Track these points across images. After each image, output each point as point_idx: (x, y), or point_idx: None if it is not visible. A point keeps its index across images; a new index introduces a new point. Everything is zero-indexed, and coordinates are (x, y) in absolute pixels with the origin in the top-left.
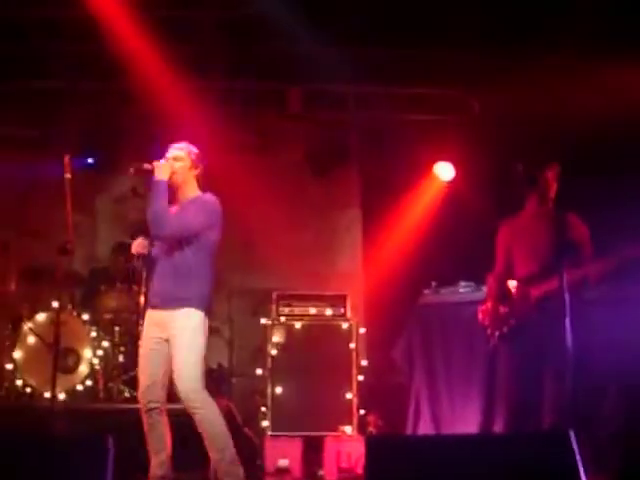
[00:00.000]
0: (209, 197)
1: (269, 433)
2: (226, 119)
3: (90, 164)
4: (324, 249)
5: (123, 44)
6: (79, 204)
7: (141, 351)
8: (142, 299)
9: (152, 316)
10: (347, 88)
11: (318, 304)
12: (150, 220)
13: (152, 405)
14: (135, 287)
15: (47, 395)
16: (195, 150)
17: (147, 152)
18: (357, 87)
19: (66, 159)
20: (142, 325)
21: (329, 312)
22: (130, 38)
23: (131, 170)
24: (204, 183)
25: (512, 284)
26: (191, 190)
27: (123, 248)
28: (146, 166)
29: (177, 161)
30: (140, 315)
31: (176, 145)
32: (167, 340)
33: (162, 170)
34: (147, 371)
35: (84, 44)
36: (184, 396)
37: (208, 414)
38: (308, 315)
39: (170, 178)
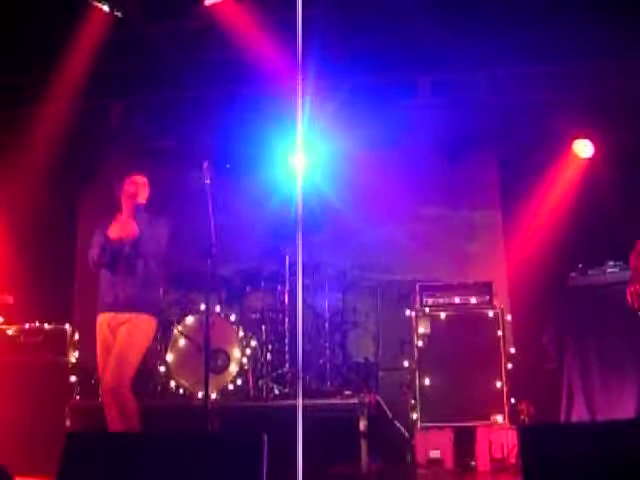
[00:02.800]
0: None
1: (419, 425)
2: (354, 115)
3: (227, 169)
4: (463, 236)
5: (250, 50)
6: (220, 208)
7: None
8: (287, 298)
9: None
10: (477, 72)
11: (462, 293)
12: None
13: None
14: (279, 287)
15: (199, 395)
16: None
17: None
18: (488, 70)
19: (205, 165)
20: (288, 323)
21: (474, 300)
22: (257, 43)
23: None
24: None
25: None
26: None
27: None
28: None
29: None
30: (285, 313)
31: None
32: None
33: None
34: None
35: (211, 53)
36: None
37: None
38: (453, 304)
39: None
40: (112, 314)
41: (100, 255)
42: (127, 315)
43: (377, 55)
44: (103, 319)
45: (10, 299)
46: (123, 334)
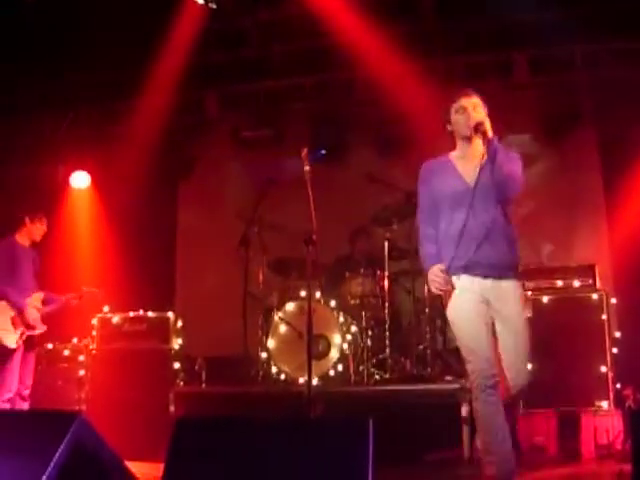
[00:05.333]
0: (504, 146)
1: (522, 411)
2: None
3: (322, 155)
4: (565, 217)
5: (342, 35)
6: (317, 194)
7: (465, 321)
8: (386, 283)
9: (469, 284)
10: (574, 48)
11: (565, 276)
12: (506, 181)
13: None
14: (379, 272)
15: (300, 380)
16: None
17: (375, 138)
18: (585, 46)
19: (304, 152)
20: (387, 309)
21: (577, 284)
22: (348, 28)
23: None
24: None
25: None
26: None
27: (361, 233)
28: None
29: (478, 109)
30: (385, 299)
31: (465, 92)
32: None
33: (488, 124)
34: (484, 343)
35: (304, 41)
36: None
37: None
38: (555, 288)
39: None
40: None
41: None
42: None
43: (470, 33)
44: None
45: (97, 292)
46: None
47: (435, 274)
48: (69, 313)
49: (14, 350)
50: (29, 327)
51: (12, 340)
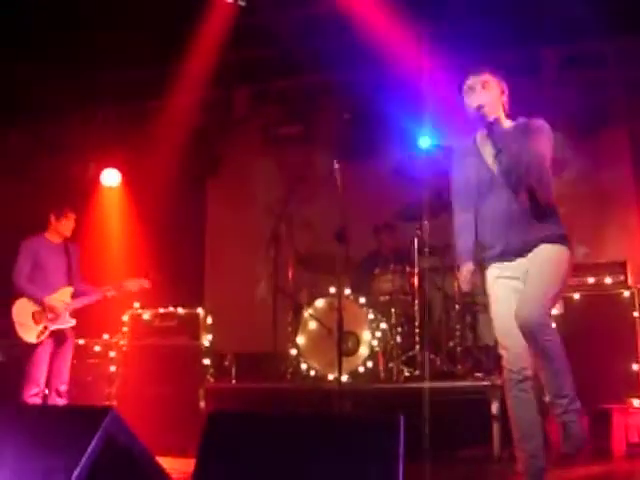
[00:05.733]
0: (533, 119)
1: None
2: None
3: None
4: (596, 214)
5: (372, 31)
6: (346, 192)
7: (498, 316)
8: (416, 280)
9: (502, 270)
10: (605, 44)
11: (596, 273)
12: (509, 169)
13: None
14: (408, 268)
15: (330, 377)
16: (494, 68)
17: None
18: (617, 42)
19: (334, 149)
20: (417, 305)
21: (608, 280)
22: (378, 24)
23: None
24: None
25: None
26: (503, 119)
27: (385, 228)
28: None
29: (487, 88)
30: (415, 295)
31: (474, 70)
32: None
33: (492, 106)
34: (515, 338)
35: (333, 37)
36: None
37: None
38: (586, 285)
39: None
40: None
41: None
42: None
43: (499, 29)
44: None
45: (147, 283)
46: None
47: (463, 275)
48: (100, 309)
49: (37, 345)
50: (52, 321)
51: (32, 335)
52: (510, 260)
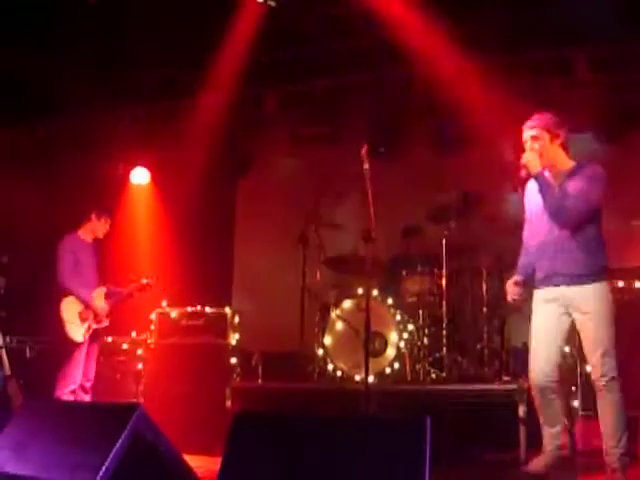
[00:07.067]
0: (590, 165)
1: (580, 413)
2: (510, 95)
3: (381, 153)
4: (625, 218)
5: (400, 31)
6: (374, 192)
7: (533, 333)
8: (444, 282)
9: (550, 294)
10: (636, 46)
11: (625, 276)
12: (552, 214)
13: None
14: (436, 270)
15: (357, 378)
16: (548, 117)
17: (433, 135)
18: None
19: (364, 150)
20: (445, 307)
21: (638, 284)
22: (407, 24)
23: None
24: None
25: None
26: (563, 162)
27: (414, 231)
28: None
29: (536, 141)
30: (442, 297)
31: (528, 124)
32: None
33: (532, 164)
34: (540, 355)
35: (362, 38)
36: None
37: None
38: (616, 288)
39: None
40: None
41: None
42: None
43: (529, 30)
44: None
45: (150, 280)
46: None
47: (508, 284)
48: (128, 307)
49: (81, 343)
50: (96, 321)
51: (79, 333)
52: (555, 285)
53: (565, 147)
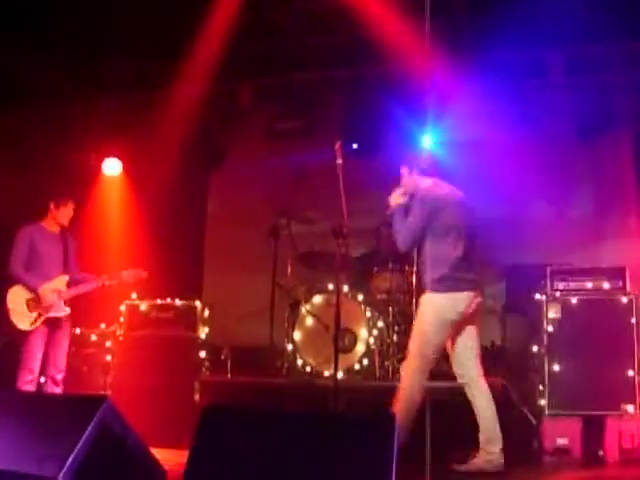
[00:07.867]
0: (421, 189)
1: (547, 412)
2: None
3: (354, 149)
4: (596, 219)
5: (375, 28)
6: (347, 189)
7: None
8: (414, 279)
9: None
10: (611, 48)
11: (594, 278)
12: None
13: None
14: (407, 267)
15: (326, 374)
16: (411, 155)
17: (408, 133)
18: (623, 46)
19: (337, 145)
20: (415, 305)
21: (606, 286)
22: (382, 20)
23: None
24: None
25: None
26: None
27: (386, 227)
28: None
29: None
30: (412, 294)
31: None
32: None
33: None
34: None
35: (337, 33)
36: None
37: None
38: (585, 289)
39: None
40: None
41: None
42: None
43: (507, 31)
44: None
45: (144, 274)
46: None
47: None
48: (97, 299)
49: (30, 332)
50: (46, 310)
51: (26, 322)
52: None
53: (427, 172)
